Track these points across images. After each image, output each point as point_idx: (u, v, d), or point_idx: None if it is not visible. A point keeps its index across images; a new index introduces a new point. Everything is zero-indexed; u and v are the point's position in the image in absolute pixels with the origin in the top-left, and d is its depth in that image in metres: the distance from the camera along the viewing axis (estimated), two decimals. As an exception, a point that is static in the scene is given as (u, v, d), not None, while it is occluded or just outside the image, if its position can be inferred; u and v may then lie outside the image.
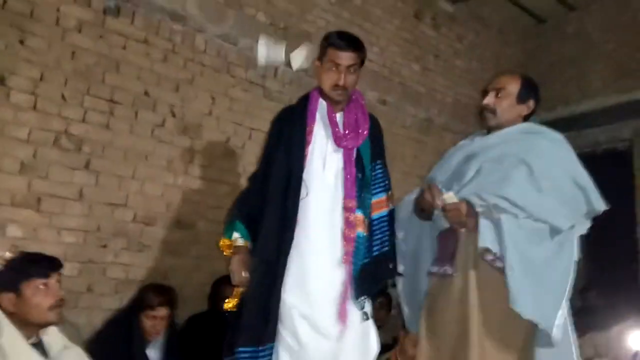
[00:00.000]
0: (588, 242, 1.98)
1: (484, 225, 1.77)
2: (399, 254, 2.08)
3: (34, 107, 2.77)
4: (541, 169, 1.82)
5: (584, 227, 1.90)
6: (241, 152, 3.55)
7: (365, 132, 1.98)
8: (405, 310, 2.20)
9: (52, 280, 1.81)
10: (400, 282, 2.19)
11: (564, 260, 1.80)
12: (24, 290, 1.75)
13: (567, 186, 1.84)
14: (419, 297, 2.07)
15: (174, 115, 3.25)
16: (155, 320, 2.54)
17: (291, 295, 1.84)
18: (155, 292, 2.61)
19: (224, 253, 2.00)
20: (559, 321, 1.72)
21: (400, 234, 2.13)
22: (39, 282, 1.78)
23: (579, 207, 1.85)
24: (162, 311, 2.55)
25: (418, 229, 2.13)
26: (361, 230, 1.91)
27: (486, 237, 1.76)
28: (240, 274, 1.91)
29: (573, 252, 1.83)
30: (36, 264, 1.83)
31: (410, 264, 2.14)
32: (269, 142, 2.06)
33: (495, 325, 1.77)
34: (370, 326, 1.94)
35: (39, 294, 1.77)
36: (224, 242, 1.99)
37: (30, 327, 1.77)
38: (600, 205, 1.87)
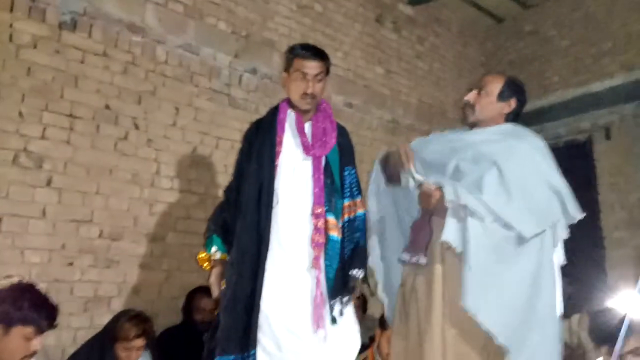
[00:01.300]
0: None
1: (450, 222, 1.79)
2: (371, 234, 2.11)
3: (-10, 126, 2.71)
4: (514, 173, 1.82)
5: (564, 232, 1.90)
6: (208, 162, 3.53)
7: (332, 141, 2.05)
8: (385, 299, 2.19)
9: (41, 337, 1.73)
10: (377, 270, 2.19)
11: (527, 267, 1.79)
12: (14, 331, 1.67)
13: (540, 192, 1.83)
14: (394, 285, 2.09)
15: (137, 127, 3.21)
16: (130, 352, 2.48)
17: (267, 302, 1.86)
18: (131, 322, 2.51)
19: (203, 267, 2.06)
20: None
21: (372, 208, 2.14)
22: (31, 332, 1.69)
23: (553, 213, 1.84)
24: (138, 342, 2.49)
25: (390, 207, 2.14)
26: (335, 234, 1.95)
27: (449, 233, 1.78)
28: (219, 287, 1.97)
29: (542, 260, 1.80)
30: (41, 315, 1.72)
31: (383, 246, 2.15)
32: (240, 156, 2.11)
33: (459, 317, 1.78)
34: (346, 329, 1.95)
35: (22, 342, 1.68)
36: (201, 256, 2.05)
37: None
38: (576, 213, 1.86)
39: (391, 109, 4.80)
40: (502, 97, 2.01)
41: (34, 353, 1.72)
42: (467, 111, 2.04)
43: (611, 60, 4.87)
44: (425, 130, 4.94)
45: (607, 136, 4.94)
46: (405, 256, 1.98)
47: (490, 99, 2.01)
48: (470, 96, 2.03)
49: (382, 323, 2.81)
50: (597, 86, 4.89)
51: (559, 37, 5.33)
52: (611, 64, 4.86)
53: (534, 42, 5.52)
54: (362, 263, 2.01)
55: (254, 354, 1.82)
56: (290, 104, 2.09)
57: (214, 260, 2.01)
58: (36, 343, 1.71)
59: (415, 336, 1.85)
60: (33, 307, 1.71)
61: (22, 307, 1.68)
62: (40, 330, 1.71)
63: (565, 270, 1.96)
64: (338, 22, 4.49)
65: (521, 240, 1.79)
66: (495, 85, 2.02)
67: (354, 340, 1.99)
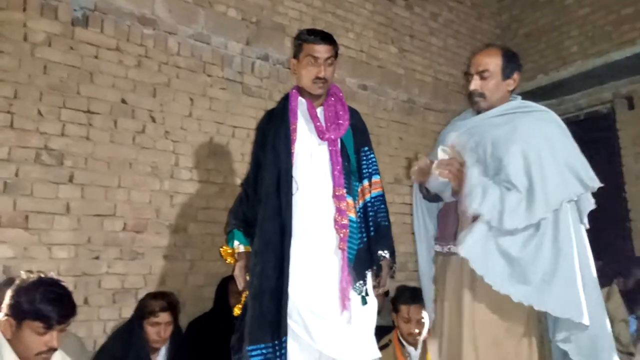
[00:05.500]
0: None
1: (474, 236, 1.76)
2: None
3: (11, 125, 2.74)
4: (522, 157, 1.78)
5: (589, 203, 1.85)
6: (226, 151, 3.54)
7: (346, 123, 2.05)
8: (424, 285, 2.18)
9: (55, 331, 1.72)
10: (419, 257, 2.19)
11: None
12: (24, 326, 1.69)
13: (551, 171, 1.77)
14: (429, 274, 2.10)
15: (153, 120, 3.23)
16: (159, 327, 2.55)
17: (294, 289, 1.87)
18: (154, 298, 2.62)
19: (227, 261, 2.10)
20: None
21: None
22: (40, 327, 1.69)
23: (568, 190, 1.77)
24: (165, 317, 2.56)
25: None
26: (352, 215, 1.96)
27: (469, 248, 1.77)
28: (244, 279, 2.00)
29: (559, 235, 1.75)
30: (50, 308, 1.71)
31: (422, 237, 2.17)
32: (255, 148, 2.13)
33: (491, 309, 1.78)
34: (367, 309, 1.96)
35: (35, 336, 1.69)
36: (225, 250, 2.09)
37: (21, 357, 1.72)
38: (594, 183, 1.80)
39: (406, 88, 4.74)
40: (506, 74, 1.93)
41: (51, 350, 1.72)
42: (477, 100, 1.94)
43: (631, 27, 4.70)
44: (441, 108, 4.88)
45: (630, 105, 4.82)
46: (438, 247, 1.98)
47: (496, 81, 1.92)
48: (477, 84, 1.92)
49: (395, 303, 2.85)
50: (617, 55, 4.72)
51: (577, 5, 5.16)
52: (631, 31, 4.69)
53: (550, 12, 5.36)
54: (389, 244, 2.01)
55: (285, 341, 1.83)
56: (300, 91, 2.09)
57: (238, 253, 2.04)
58: (49, 339, 1.70)
59: (448, 328, 1.87)
60: (44, 301, 1.70)
61: (33, 301, 1.69)
62: (49, 326, 1.69)
63: (591, 247, 1.93)
64: (349, 3, 4.42)
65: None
66: (495, 64, 1.91)
67: (372, 320, 2.00)
